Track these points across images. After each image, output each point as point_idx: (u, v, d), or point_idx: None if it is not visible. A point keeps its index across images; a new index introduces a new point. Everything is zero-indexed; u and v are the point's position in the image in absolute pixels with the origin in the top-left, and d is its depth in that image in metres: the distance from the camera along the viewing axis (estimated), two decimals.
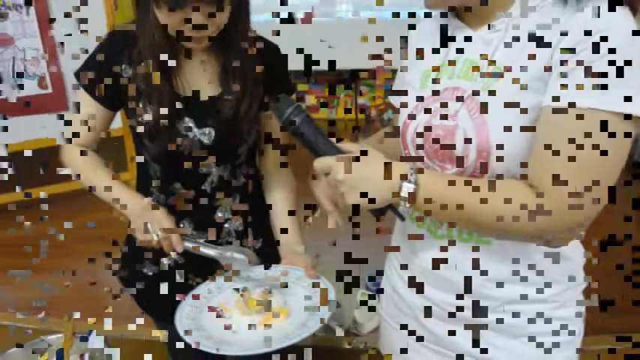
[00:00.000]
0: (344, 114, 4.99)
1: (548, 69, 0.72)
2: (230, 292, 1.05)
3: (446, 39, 0.87)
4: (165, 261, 1.18)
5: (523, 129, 0.74)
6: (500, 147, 0.75)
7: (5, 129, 3.03)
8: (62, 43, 3.06)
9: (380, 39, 1.17)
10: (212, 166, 1.15)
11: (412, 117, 0.87)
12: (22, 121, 3.19)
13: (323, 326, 0.92)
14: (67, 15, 2.58)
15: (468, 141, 0.77)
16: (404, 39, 0.98)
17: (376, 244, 1.06)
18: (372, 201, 0.76)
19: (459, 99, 0.80)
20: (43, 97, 3.27)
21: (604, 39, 0.67)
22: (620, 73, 0.67)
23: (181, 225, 1.18)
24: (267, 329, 0.94)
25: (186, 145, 1.11)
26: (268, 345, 0.87)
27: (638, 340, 1.31)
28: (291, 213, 1.20)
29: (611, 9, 0.68)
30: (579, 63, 0.69)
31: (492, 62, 0.78)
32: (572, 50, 0.69)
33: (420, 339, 0.94)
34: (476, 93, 0.78)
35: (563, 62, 0.70)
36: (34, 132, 3.18)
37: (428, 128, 0.83)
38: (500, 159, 0.76)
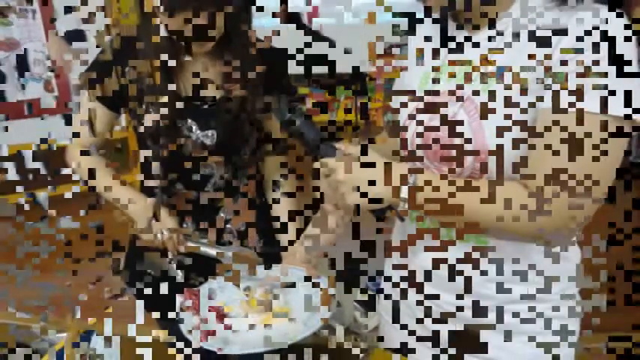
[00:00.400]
0: (344, 115, 4.98)
1: (548, 69, 0.72)
2: (232, 291, 1.05)
3: (446, 39, 0.87)
4: (167, 261, 1.19)
5: (522, 129, 0.74)
6: (499, 147, 0.75)
7: (6, 129, 3.04)
8: (70, 43, 3.06)
9: (380, 39, 1.17)
10: (214, 167, 1.16)
11: (412, 117, 0.88)
12: (26, 122, 3.21)
13: (323, 325, 0.92)
14: (67, 11, 2.58)
15: (467, 141, 0.77)
16: (404, 35, 0.98)
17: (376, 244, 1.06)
18: (372, 201, 0.76)
19: (459, 99, 0.80)
20: (48, 100, 3.28)
21: (604, 39, 0.67)
22: (620, 73, 0.67)
23: (184, 225, 1.18)
24: (268, 329, 0.95)
25: (188, 145, 1.11)
26: (269, 344, 0.88)
27: (638, 340, 1.31)
28: (291, 213, 1.20)
29: (611, 9, 0.68)
30: (579, 63, 0.69)
31: (492, 62, 0.78)
32: (572, 50, 0.69)
33: (420, 339, 0.94)
34: (475, 93, 0.78)
35: (563, 62, 0.70)
36: (39, 133, 3.19)
37: (427, 129, 0.84)
38: (499, 159, 0.76)
